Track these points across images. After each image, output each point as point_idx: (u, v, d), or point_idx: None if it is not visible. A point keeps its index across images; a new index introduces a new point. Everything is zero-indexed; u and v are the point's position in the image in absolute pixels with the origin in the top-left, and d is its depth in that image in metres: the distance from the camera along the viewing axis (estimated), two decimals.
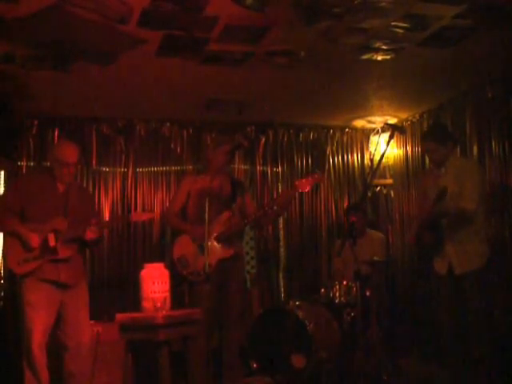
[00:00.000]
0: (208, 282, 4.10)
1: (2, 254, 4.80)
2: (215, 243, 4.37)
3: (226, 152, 4.50)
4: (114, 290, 5.62)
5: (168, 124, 6.01)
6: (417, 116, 6.02)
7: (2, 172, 5.34)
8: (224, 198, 4.45)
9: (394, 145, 6.27)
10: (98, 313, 4.77)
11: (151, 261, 4.82)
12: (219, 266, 4.35)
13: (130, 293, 5.30)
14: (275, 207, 4.33)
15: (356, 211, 5.39)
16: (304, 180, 4.38)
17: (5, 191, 5.09)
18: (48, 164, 4.09)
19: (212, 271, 4.23)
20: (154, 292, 4.32)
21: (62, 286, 3.79)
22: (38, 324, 3.68)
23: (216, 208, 4.29)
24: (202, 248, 4.26)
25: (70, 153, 3.88)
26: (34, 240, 3.71)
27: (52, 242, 3.73)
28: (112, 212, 5.73)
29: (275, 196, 5.97)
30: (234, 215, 4.36)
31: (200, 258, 4.29)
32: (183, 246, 4.48)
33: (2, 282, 5.19)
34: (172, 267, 4.42)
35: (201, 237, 4.20)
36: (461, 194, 3.93)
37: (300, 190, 4.34)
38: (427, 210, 4.01)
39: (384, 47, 4.23)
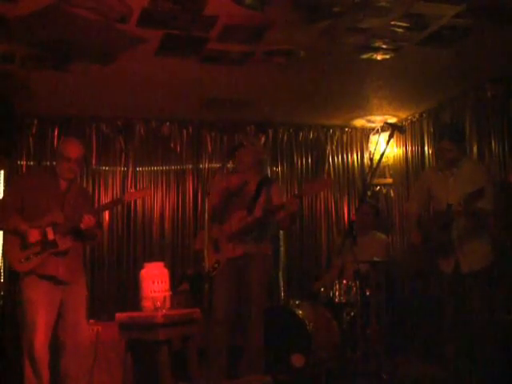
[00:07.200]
0: (218, 279, 4.08)
1: (2, 252, 4.80)
2: (227, 242, 4.37)
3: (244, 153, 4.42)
4: (114, 289, 5.62)
5: (168, 123, 6.01)
6: (416, 115, 6.02)
7: (2, 171, 5.34)
8: (245, 196, 4.42)
9: (394, 144, 6.28)
10: (98, 312, 4.78)
11: (151, 260, 4.84)
12: (231, 265, 4.34)
13: (130, 292, 5.30)
14: (283, 209, 4.28)
15: (359, 211, 5.38)
16: (316, 184, 4.32)
17: (6, 189, 5.09)
18: (47, 163, 4.10)
19: (222, 269, 4.22)
20: (154, 291, 4.34)
21: (61, 283, 3.79)
22: (40, 323, 3.68)
23: (236, 207, 4.27)
24: (216, 246, 4.27)
25: (72, 148, 3.90)
26: (33, 235, 3.71)
27: (51, 236, 3.74)
28: (112, 211, 5.73)
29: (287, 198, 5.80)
30: (250, 214, 4.32)
31: (212, 255, 4.26)
32: (203, 241, 4.50)
33: (2, 280, 5.20)
34: None
35: (215, 235, 4.23)
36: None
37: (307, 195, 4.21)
38: (457, 209, 3.85)
39: (384, 46, 4.23)
